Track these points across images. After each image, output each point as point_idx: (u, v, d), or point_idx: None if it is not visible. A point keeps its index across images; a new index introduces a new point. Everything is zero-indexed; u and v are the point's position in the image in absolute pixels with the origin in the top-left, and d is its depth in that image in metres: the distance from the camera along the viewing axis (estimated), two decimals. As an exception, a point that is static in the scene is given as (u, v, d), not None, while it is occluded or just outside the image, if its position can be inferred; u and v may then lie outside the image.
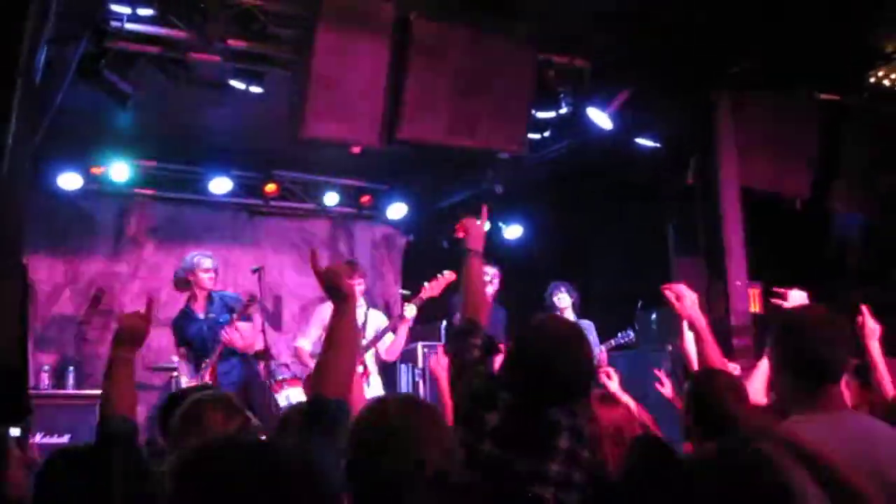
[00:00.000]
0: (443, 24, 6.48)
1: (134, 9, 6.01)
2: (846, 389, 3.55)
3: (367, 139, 6.49)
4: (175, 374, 8.19)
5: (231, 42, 6.33)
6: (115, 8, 6.01)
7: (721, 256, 7.21)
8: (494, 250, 9.67)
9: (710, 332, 4.02)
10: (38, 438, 7.58)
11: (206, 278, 7.79)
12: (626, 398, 4.59)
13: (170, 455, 3.09)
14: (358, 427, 2.38)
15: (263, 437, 3.83)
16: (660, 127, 8.04)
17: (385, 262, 11.69)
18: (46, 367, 9.06)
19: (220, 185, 10.08)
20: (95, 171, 9.46)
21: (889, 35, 6.78)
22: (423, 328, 8.88)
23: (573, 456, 3.05)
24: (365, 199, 11.13)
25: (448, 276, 7.23)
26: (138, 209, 10.24)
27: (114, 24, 6.08)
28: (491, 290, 7.86)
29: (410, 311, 7.40)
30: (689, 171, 7.52)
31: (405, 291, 9.39)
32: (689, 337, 4.47)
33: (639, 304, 8.86)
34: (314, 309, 10.76)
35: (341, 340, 2.80)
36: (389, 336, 7.67)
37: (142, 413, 3.81)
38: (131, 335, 3.42)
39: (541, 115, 7.42)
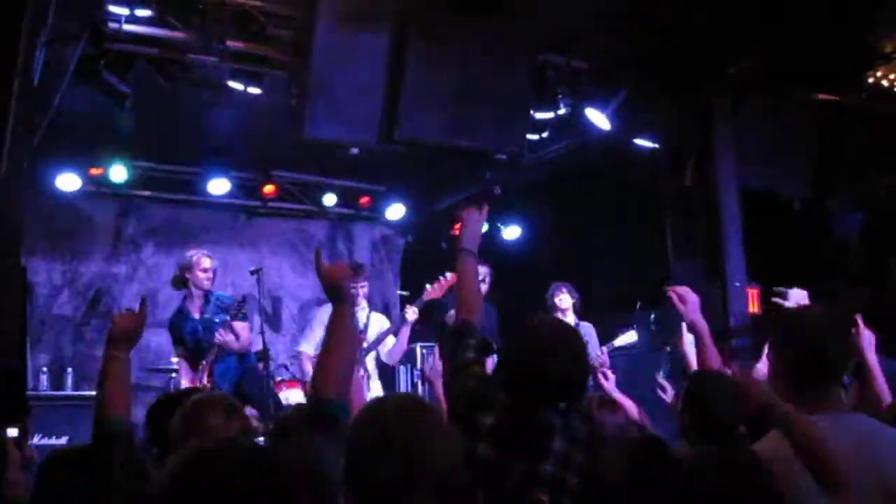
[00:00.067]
0: (441, 24, 6.48)
1: (132, 10, 6.01)
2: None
3: (366, 140, 6.49)
4: (174, 374, 8.17)
5: (229, 43, 6.34)
6: (114, 9, 6.02)
7: (720, 257, 7.22)
8: (493, 251, 9.70)
9: (710, 335, 4.02)
10: (36, 440, 7.57)
11: (203, 278, 7.73)
12: (622, 398, 4.58)
13: (170, 456, 3.08)
14: (357, 428, 2.37)
15: (262, 440, 3.83)
16: (658, 127, 8.04)
17: (384, 263, 11.69)
18: (45, 369, 9.05)
19: (219, 187, 10.07)
20: (94, 172, 9.45)
21: (888, 35, 6.78)
22: (421, 328, 8.86)
23: (567, 458, 3.04)
24: (364, 200, 11.12)
25: (450, 278, 7.20)
26: (137, 210, 10.24)
27: (112, 25, 6.08)
28: (483, 288, 7.84)
29: (412, 313, 7.37)
30: (687, 172, 7.52)
31: (404, 292, 9.40)
32: (687, 338, 4.47)
33: (637, 305, 8.86)
34: (313, 310, 10.79)
35: (340, 341, 2.80)
36: (391, 339, 7.64)
37: (140, 414, 3.80)
38: (125, 335, 3.41)
39: (539, 115, 7.42)
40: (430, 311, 7.96)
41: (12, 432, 4.30)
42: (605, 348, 8.10)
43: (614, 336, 8.38)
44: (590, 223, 10.01)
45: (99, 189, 9.69)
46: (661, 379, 5.19)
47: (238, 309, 7.56)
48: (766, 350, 3.26)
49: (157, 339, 9.26)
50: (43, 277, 9.66)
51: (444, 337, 3.66)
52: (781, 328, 3.08)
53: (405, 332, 7.53)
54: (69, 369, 9.12)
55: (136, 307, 3.55)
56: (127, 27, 6.09)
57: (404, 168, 9.86)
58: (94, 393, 3.60)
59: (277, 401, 7.49)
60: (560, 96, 7.37)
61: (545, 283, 8.68)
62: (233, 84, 6.79)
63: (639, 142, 8.24)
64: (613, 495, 3.27)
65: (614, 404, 4.02)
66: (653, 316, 8.71)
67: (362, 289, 7.68)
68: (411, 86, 6.38)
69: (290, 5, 6.35)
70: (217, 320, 7.57)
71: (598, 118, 7.50)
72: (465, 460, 2.88)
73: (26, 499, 3.52)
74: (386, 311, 10.36)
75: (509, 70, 6.76)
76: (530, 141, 7.47)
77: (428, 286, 7.46)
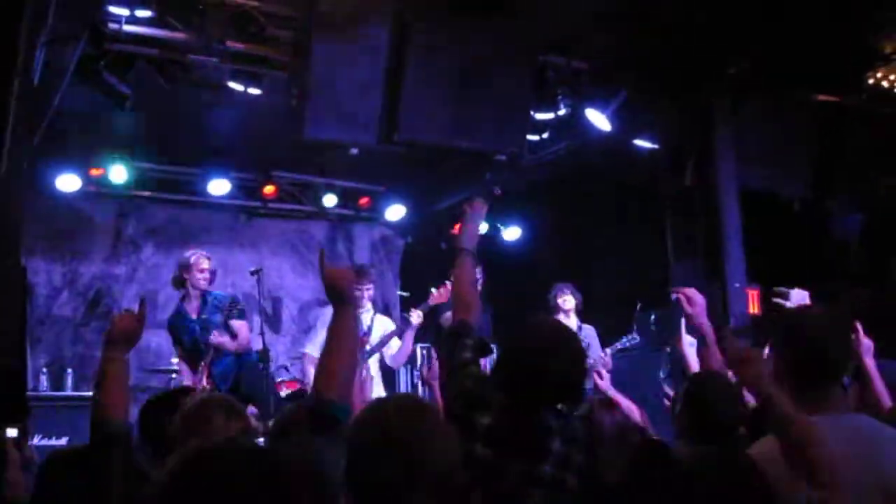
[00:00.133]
0: (441, 25, 6.48)
1: (132, 10, 6.01)
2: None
3: (366, 140, 6.49)
4: (174, 375, 8.17)
5: (229, 44, 6.34)
6: (114, 9, 6.02)
7: (720, 258, 7.21)
8: (493, 251, 9.70)
9: (714, 338, 4.02)
10: (36, 440, 7.56)
11: (200, 278, 7.72)
12: (623, 400, 4.58)
13: (168, 455, 3.08)
14: (358, 428, 2.37)
15: (262, 440, 3.83)
16: (658, 128, 8.04)
17: (384, 263, 11.69)
18: (45, 369, 9.05)
19: (219, 187, 10.06)
20: (94, 172, 9.44)
21: (888, 36, 6.78)
22: (422, 330, 8.85)
23: (566, 459, 3.04)
24: (363, 200, 11.12)
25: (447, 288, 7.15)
26: (137, 211, 10.24)
27: (112, 25, 6.08)
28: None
29: (417, 317, 7.33)
30: (687, 173, 7.52)
31: (404, 293, 9.39)
32: (686, 339, 4.47)
33: (638, 306, 8.86)
34: (313, 310, 10.79)
35: (342, 344, 2.80)
36: (395, 342, 7.61)
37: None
38: (125, 336, 3.40)
39: (539, 116, 7.42)
40: (430, 313, 7.95)
41: (12, 433, 4.30)
42: (608, 350, 8.09)
43: (615, 337, 8.38)
44: (590, 224, 10.01)
45: (99, 189, 9.67)
46: (665, 386, 5.18)
47: (231, 308, 7.56)
48: (766, 351, 3.25)
49: (157, 340, 9.25)
50: (43, 278, 9.65)
51: (442, 337, 3.65)
52: (782, 328, 3.08)
53: (410, 335, 7.49)
54: (69, 370, 9.11)
55: (136, 308, 3.54)
56: (127, 28, 6.09)
57: (404, 169, 9.86)
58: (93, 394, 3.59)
59: (277, 398, 7.47)
60: (560, 97, 7.36)
61: (545, 283, 8.67)
62: (233, 85, 6.78)
63: (639, 142, 8.23)
64: (613, 496, 3.26)
65: (613, 404, 4.01)
66: (653, 316, 8.71)
67: (367, 291, 7.65)
68: (411, 86, 6.38)
69: (290, 6, 6.35)
70: (214, 321, 7.58)
71: (598, 119, 7.50)
72: (462, 460, 2.88)
73: (26, 499, 3.52)
74: (386, 311, 10.34)
75: (509, 71, 6.76)
76: (530, 141, 7.47)
77: (434, 290, 7.44)
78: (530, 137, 7.43)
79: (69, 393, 8.80)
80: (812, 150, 7.74)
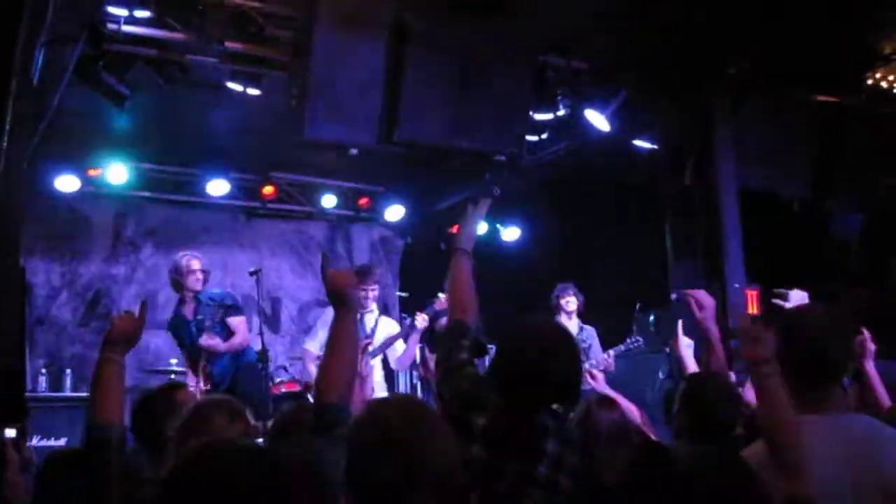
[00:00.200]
0: (441, 25, 6.47)
1: (131, 11, 6.00)
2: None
3: (365, 141, 6.48)
4: (173, 376, 8.16)
5: (228, 44, 6.32)
6: (113, 10, 6.01)
7: (719, 258, 7.21)
8: (492, 252, 9.70)
9: (719, 342, 4.01)
10: (35, 441, 7.55)
11: (192, 280, 7.75)
12: (623, 401, 4.57)
13: (167, 454, 3.07)
14: (358, 428, 2.36)
15: (261, 440, 3.82)
16: (658, 128, 8.03)
17: (383, 264, 11.68)
18: (44, 370, 9.04)
19: (218, 188, 10.06)
20: (93, 173, 9.44)
21: (887, 36, 6.78)
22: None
23: (561, 460, 3.03)
24: (363, 201, 11.11)
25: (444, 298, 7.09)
26: (136, 211, 10.23)
27: (111, 26, 6.07)
28: None
29: (422, 320, 7.25)
30: (687, 173, 7.52)
31: (403, 293, 9.37)
32: (684, 341, 4.46)
33: (637, 306, 8.85)
34: (312, 311, 10.79)
35: (343, 347, 2.80)
36: (400, 344, 7.57)
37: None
38: (124, 337, 3.39)
39: (539, 116, 7.42)
40: (432, 317, 7.92)
41: (11, 433, 4.30)
42: (611, 352, 8.07)
43: (614, 337, 8.37)
44: (589, 224, 10.00)
45: (98, 190, 9.66)
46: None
47: (226, 306, 7.58)
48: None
49: (156, 341, 9.25)
50: (42, 278, 9.64)
51: (438, 338, 3.64)
52: (782, 328, 3.07)
53: (414, 338, 7.40)
54: (68, 371, 9.10)
55: (136, 309, 3.53)
56: (126, 28, 6.09)
57: (404, 169, 9.86)
58: (93, 394, 3.58)
59: (275, 399, 7.45)
60: (559, 97, 7.36)
61: (544, 284, 8.66)
62: (232, 85, 6.78)
63: (638, 143, 8.23)
64: (610, 497, 3.26)
65: (612, 403, 4.00)
66: (652, 317, 8.71)
67: (372, 292, 7.62)
68: (411, 87, 6.38)
69: (290, 6, 6.34)
70: (209, 321, 7.59)
71: (598, 119, 7.49)
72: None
73: (26, 500, 3.51)
74: (385, 312, 10.33)
75: (509, 71, 6.76)
76: (530, 142, 7.47)
77: (441, 295, 7.40)
78: (530, 138, 7.43)
79: (68, 394, 8.79)
80: (812, 151, 7.74)
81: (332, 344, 2.82)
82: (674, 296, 7.49)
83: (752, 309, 7.15)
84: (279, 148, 8.38)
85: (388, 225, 11.56)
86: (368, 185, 11.01)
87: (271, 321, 10.60)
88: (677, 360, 4.63)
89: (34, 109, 5.97)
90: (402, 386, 9.23)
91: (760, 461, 2.59)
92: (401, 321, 7.99)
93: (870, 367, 4.04)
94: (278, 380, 8.09)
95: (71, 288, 9.83)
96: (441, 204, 10.81)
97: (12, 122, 4.03)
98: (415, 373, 9.01)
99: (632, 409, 4.44)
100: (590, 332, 8.40)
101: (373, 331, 7.56)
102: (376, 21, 6.23)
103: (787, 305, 4.41)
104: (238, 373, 7.66)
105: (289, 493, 1.68)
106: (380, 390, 7.51)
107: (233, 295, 8.16)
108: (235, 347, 7.66)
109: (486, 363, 3.55)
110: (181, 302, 7.85)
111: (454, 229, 3.78)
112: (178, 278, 7.73)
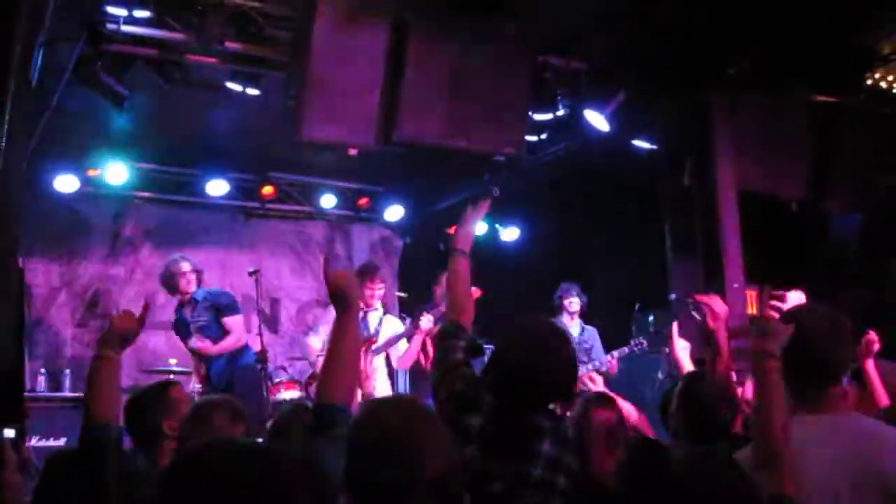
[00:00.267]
0: (440, 25, 6.47)
1: (130, 11, 6.00)
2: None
3: (364, 141, 6.47)
4: (172, 376, 8.16)
5: (228, 44, 6.32)
6: (112, 10, 6.00)
7: (718, 258, 7.19)
8: (492, 252, 9.69)
9: (727, 351, 4.00)
10: (33, 441, 7.56)
11: (183, 283, 7.80)
12: (620, 402, 4.56)
13: (172, 456, 3.08)
14: (357, 428, 2.36)
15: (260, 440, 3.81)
16: (657, 129, 8.03)
17: (382, 264, 11.67)
18: (42, 370, 9.04)
19: (217, 188, 10.07)
20: (92, 173, 9.44)
21: (887, 37, 6.77)
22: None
23: (557, 461, 3.03)
24: (362, 201, 11.12)
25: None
26: (135, 212, 10.22)
27: (110, 26, 6.07)
28: None
29: (426, 321, 7.18)
30: (686, 173, 7.51)
31: (402, 294, 9.37)
32: (679, 343, 4.46)
33: (636, 306, 8.85)
34: (311, 311, 10.80)
35: (344, 349, 2.80)
36: (404, 343, 7.56)
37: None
38: (122, 335, 3.38)
39: (538, 117, 7.41)
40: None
41: (9, 434, 4.29)
42: (615, 353, 8.06)
43: (613, 337, 8.37)
44: (589, 224, 10.01)
45: (97, 190, 9.67)
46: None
47: (212, 307, 7.60)
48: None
49: (155, 341, 9.27)
50: (40, 279, 9.64)
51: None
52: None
53: (417, 339, 7.39)
54: (66, 371, 9.11)
55: (137, 310, 3.52)
56: (125, 28, 6.08)
57: (403, 169, 9.86)
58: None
59: (272, 403, 7.45)
60: (559, 97, 7.36)
61: (544, 284, 8.67)
62: (231, 85, 6.78)
63: (638, 143, 8.23)
64: (605, 496, 3.26)
65: (611, 401, 3.99)
66: (651, 317, 8.70)
67: (378, 291, 7.61)
68: (410, 86, 6.37)
69: (289, 6, 6.34)
70: (204, 322, 7.62)
71: (597, 119, 7.48)
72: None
73: (25, 501, 3.50)
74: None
75: (508, 71, 6.75)
76: (529, 142, 7.45)
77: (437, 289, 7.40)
78: (529, 138, 7.41)
79: (67, 394, 8.80)
80: (811, 151, 7.72)
81: (333, 345, 2.82)
82: (673, 296, 7.49)
83: (752, 309, 7.14)
84: (278, 148, 8.38)
85: (387, 225, 11.57)
86: (368, 185, 11.02)
87: (270, 321, 10.60)
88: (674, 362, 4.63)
89: (33, 109, 5.97)
90: (402, 386, 9.22)
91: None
92: (409, 323, 7.97)
93: (870, 366, 4.04)
94: (277, 380, 8.09)
95: (70, 288, 9.83)
96: (440, 204, 10.81)
97: (11, 122, 4.02)
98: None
99: (630, 410, 4.44)
100: (592, 332, 8.40)
101: (377, 329, 7.55)
102: (375, 21, 6.22)
103: (785, 307, 4.40)
104: (234, 376, 7.67)
105: (288, 493, 1.68)
106: (383, 390, 7.50)
107: (229, 294, 8.19)
108: (227, 348, 7.68)
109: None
110: (181, 304, 7.88)
111: (452, 230, 3.77)
112: (170, 282, 7.78)
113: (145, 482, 3.12)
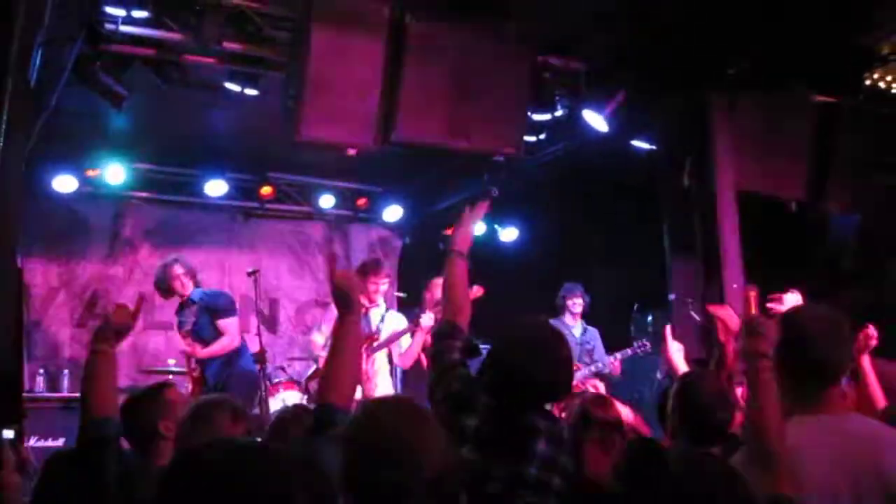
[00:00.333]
0: (438, 25, 6.46)
1: (129, 11, 5.99)
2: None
3: (363, 141, 6.47)
4: (171, 377, 8.16)
5: (226, 44, 6.31)
6: (110, 10, 5.99)
7: (717, 259, 7.19)
8: (490, 253, 9.69)
9: (733, 362, 4.01)
10: (32, 442, 7.55)
11: (178, 285, 7.80)
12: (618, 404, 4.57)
13: (172, 455, 3.07)
14: (355, 429, 2.36)
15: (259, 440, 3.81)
16: (656, 129, 8.03)
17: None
18: (41, 371, 9.03)
19: (216, 188, 10.06)
20: (90, 173, 9.44)
21: (886, 37, 6.77)
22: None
23: (552, 461, 3.03)
24: (361, 201, 11.12)
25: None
26: (133, 212, 10.22)
27: (108, 26, 6.06)
28: None
29: (427, 319, 7.16)
30: (685, 173, 7.51)
31: (402, 294, 9.36)
32: (673, 346, 4.46)
33: (635, 307, 8.85)
34: (310, 312, 10.80)
35: (346, 350, 2.80)
36: (406, 340, 7.53)
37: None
38: (118, 328, 3.38)
39: (537, 117, 7.41)
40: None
41: (8, 434, 4.29)
42: (618, 355, 8.06)
43: (613, 338, 8.36)
44: (588, 224, 10.01)
45: (96, 190, 9.67)
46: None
47: (206, 309, 7.60)
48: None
49: (155, 342, 9.26)
50: (39, 279, 9.63)
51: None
52: (780, 329, 3.07)
53: (419, 336, 7.38)
54: (65, 371, 9.10)
55: (132, 304, 3.52)
56: (123, 28, 6.07)
57: (402, 169, 9.86)
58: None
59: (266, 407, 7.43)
60: (558, 98, 7.35)
61: (543, 284, 8.67)
62: (230, 85, 6.77)
63: (637, 143, 8.22)
64: (601, 496, 3.25)
65: (608, 402, 3.99)
66: (650, 318, 8.70)
67: (383, 285, 7.60)
68: (409, 87, 6.37)
69: (287, 6, 6.33)
70: (201, 323, 7.62)
71: (596, 120, 7.48)
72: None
73: (23, 501, 3.50)
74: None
75: (507, 71, 6.75)
76: (528, 142, 7.45)
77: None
78: (528, 138, 7.41)
79: (65, 394, 8.78)
80: (811, 151, 7.71)
81: (334, 345, 2.82)
82: (672, 296, 7.49)
83: (752, 309, 7.13)
84: (277, 148, 8.38)
85: (386, 225, 11.56)
86: (367, 185, 11.01)
87: (269, 322, 10.59)
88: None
89: (32, 110, 5.97)
90: (401, 386, 9.22)
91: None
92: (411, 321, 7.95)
93: (866, 362, 4.03)
94: (276, 380, 8.08)
95: (68, 288, 9.82)
96: (439, 204, 10.80)
97: (9, 122, 4.01)
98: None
99: (626, 413, 4.44)
100: (593, 333, 8.40)
101: (378, 326, 7.54)
102: (374, 21, 6.22)
103: (782, 309, 4.40)
104: (230, 379, 7.66)
105: (288, 493, 1.68)
106: (385, 390, 7.50)
107: (227, 295, 8.18)
108: (217, 352, 7.67)
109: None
110: (181, 305, 7.89)
111: (449, 231, 3.76)
112: (164, 285, 7.78)
113: (144, 482, 3.11)
